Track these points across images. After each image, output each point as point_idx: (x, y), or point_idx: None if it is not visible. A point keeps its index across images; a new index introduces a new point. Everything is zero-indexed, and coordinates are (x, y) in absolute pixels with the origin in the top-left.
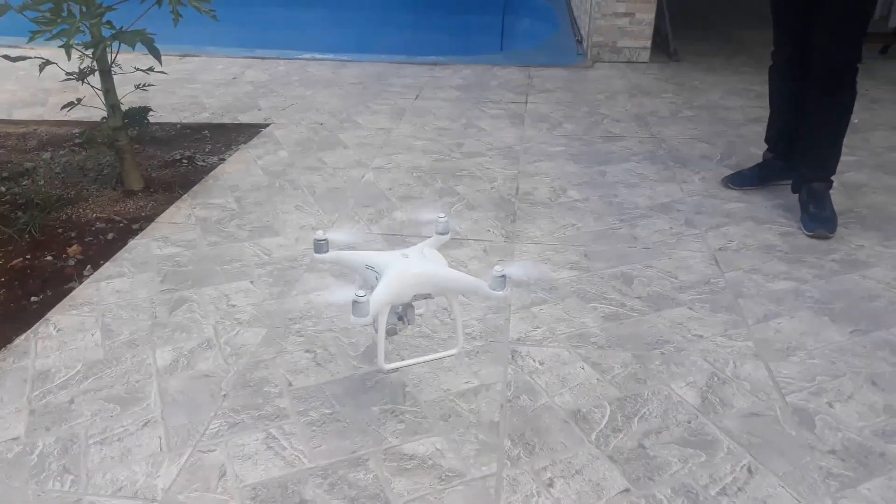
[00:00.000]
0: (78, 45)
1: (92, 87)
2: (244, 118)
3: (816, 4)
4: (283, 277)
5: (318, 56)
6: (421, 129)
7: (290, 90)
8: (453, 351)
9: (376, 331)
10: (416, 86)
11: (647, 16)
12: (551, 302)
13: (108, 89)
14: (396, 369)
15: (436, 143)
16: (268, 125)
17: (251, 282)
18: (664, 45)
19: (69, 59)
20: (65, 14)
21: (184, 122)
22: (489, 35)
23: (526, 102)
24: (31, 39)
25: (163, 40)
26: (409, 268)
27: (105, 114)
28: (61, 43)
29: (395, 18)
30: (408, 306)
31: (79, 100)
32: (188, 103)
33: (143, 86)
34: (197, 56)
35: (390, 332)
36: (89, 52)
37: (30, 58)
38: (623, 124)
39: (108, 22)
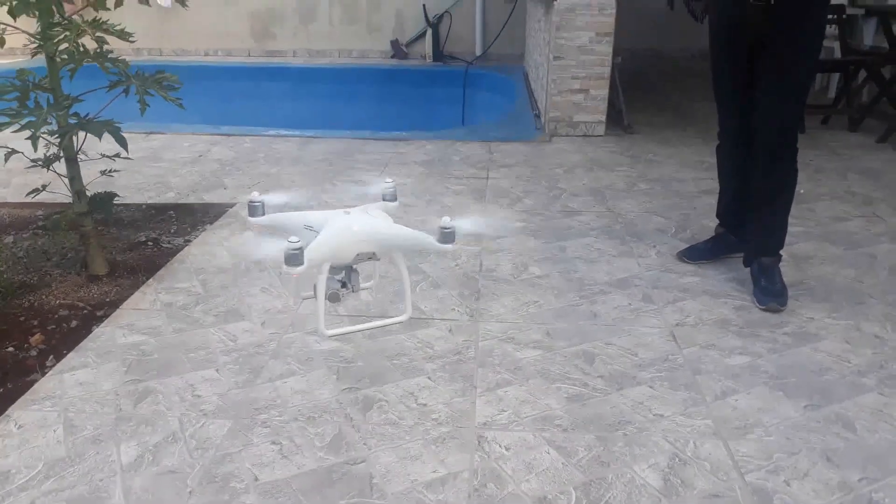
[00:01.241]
0: (44, 133)
1: (57, 174)
2: (210, 197)
3: (756, 85)
4: (248, 364)
5: (283, 133)
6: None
7: (255, 168)
8: (402, 318)
9: (316, 294)
10: (381, 162)
11: (601, 92)
12: (516, 383)
13: (74, 176)
14: (338, 335)
15: (401, 220)
16: (234, 205)
17: (217, 370)
18: (619, 119)
19: (35, 150)
20: (32, 105)
21: (149, 202)
22: (451, 108)
23: (487, 178)
24: None
25: (129, 116)
26: (350, 223)
27: (70, 199)
28: (28, 135)
29: (361, 94)
30: (351, 271)
31: (44, 186)
32: (154, 183)
33: (109, 171)
34: (163, 133)
35: (332, 298)
36: (55, 139)
37: None
38: (581, 199)
39: (76, 113)
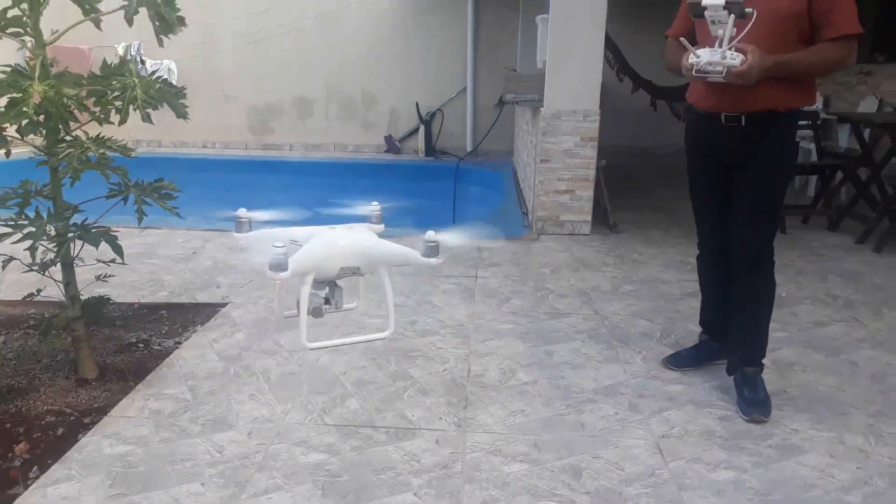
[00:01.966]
0: (42, 240)
1: (52, 279)
2: (202, 297)
3: (732, 202)
4: (234, 478)
5: (276, 230)
6: (376, 305)
7: (248, 266)
8: (384, 334)
9: (298, 306)
10: None
11: (587, 192)
12: (503, 501)
13: (69, 281)
14: (320, 348)
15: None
16: (226, 304)
17: (202, 483)
18: (605, 217)
19: (33, 259)
20: (32, 214)
21: (142, 301)
22: (443, 203)
23: (476, 276)
24: None
25: (125, 211)
26: (336, 237)
27: (62, 299)
28: (27, 245)
29: (354, 188)
30: (335, 287)
31: (38, 291)
32: (147, 281)
33: (104, 277)
34: (158, 228)
35: (316, 313)
36: (53, 247)
37: None
38: (568, 300)
39: (74, 224)
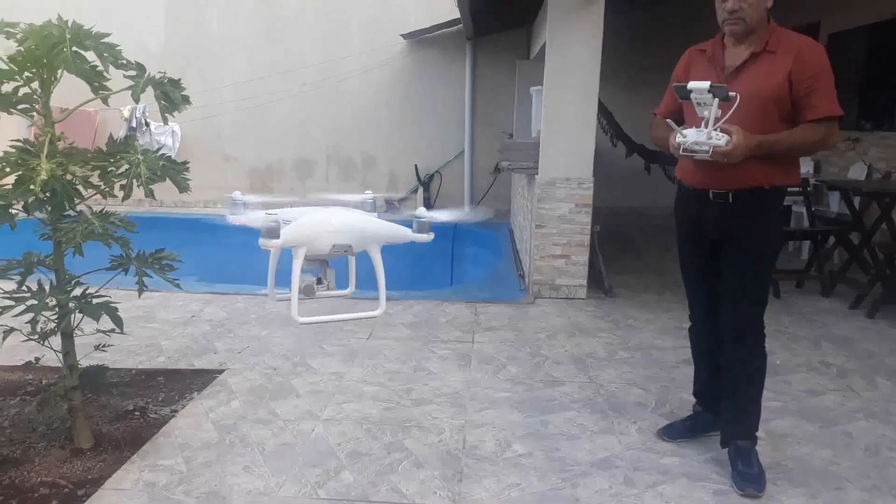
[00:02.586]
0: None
1: (52, 349)
2: (200, 362)
3: (720, 276)
4: None
5: (276, 292)
6: (372, 372)
7: (246, 330)
8: (376, 312)
9: (291, 282)
10: (369, 323)
11: (582, 258)
12: None
13: (68, 351)
14: (311, 324)
15: (386, 389)
16: (223, 370)
17: None
18: (600, 280)
19: (34, 332)
20: (35, 286)
21: (140, 366)
22: (441, 263)
23: (472, 342)
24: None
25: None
26: (328, 215)
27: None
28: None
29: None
30: (327, 267)
31: (37, 359)
32: (145, 346)
33: (103, 346)
34: (157, 291)
35: (307, 291)
36: (54, 318)
37: None
38: (563, 367)
39: (75, 296)
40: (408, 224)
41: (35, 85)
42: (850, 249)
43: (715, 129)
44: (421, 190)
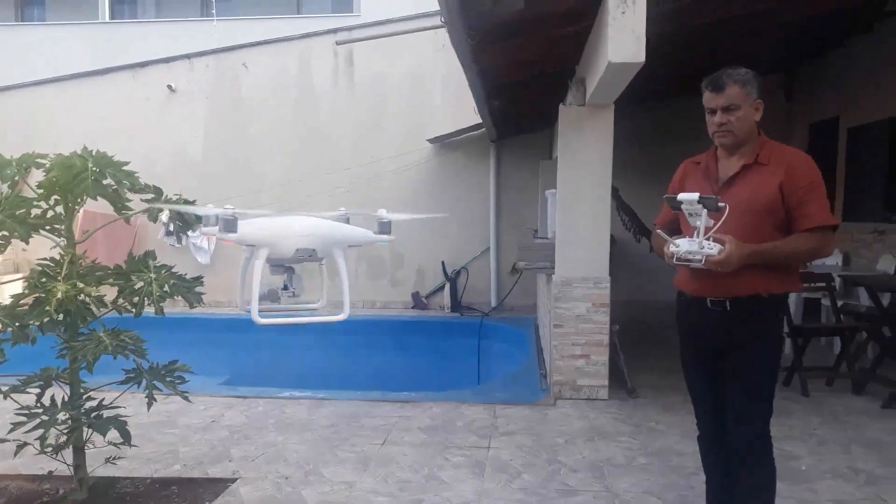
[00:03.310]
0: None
1: (63, 462)
2: (214, 471)
3: (724, 387)
4: None
5: (296, 394)
6: (384, 482)
7: (263, 436)
8: (340, 316)
9: (253, 280)
10: (385, 428)
11: (602, 357)
12: None
13: (79, 465)
14: (272, 325)
15: (396, 501)
16: (235, 479)
17: None
18: (623, 380)
19: (43, 448)
20: (49, 403)
21: (155, 475)
22: (467, 359)
23: (489, 447)
24: (10, 431)
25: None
26: (291, 219)
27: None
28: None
29: (381, 345)
30: (293, 274)
31: (51, 472)
32: (164, 453)
33: (113, 459)
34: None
35: (271, 296)
36: (65, 432)
37: (7, 440)
38: (579, 475)
39: (86, 410)
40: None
41: (60, 209)
42: (882, 343)
43: (707, 239)
44: (448, 286)
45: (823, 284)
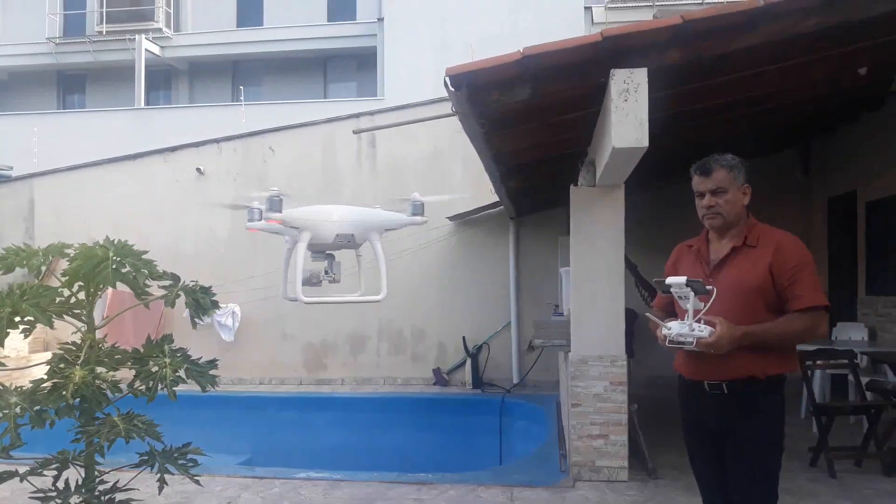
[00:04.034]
0: None
1: None
2: None
3: (727, 471)
4: None
5: (313, 475)
6: None
7: None
8: (378, 297)
9: (295, 262)
10: None
11: (621, 437)
12: None
13: None
14: (316, 303)
15: None
16: None
17: None
18: (643, 460)
19: None
20: (62, 486)
21: None
22: (489, 438)
23: None
24: None
25: (167, 433)
26: (331, 207)
27: None
28: None
29: (401, 423)
30: (333, 261)
31: None
32: None
33: None
34: (198, 476)
35: (312, 280)
36: None
37: None
38: None
39: (99, 493)
40: None
41: (82, 296)
42: None
43: (698, 321)
44: (469, 361)
45: (846, 361)
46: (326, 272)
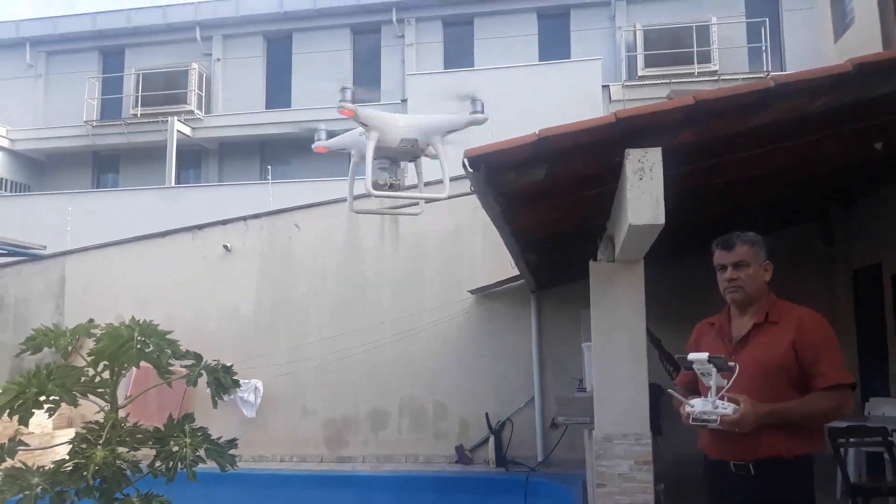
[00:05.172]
0: None
1: None
2: None
3: None
4: None
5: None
6: None
7: None
8: (442, 195)
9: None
10: None
11: None
12: None
13: None
14: (384, 196)
15: None
16: None
17: None
18: None
19: None
20: None
21: None
22: None
23: None
24: None
25: None
26: (398, 115)
27: None
28: None
29: (425, 503)
30: (397, 166)
31: None
32: None
33: None
34: None
35: (381, 183)
36: None
37: None
38: None
39: None
40: None
41: (106, 375)
42: None
43: (721, 399)
44: (492, 438)
45: (880, 438)
46: (391, 175)
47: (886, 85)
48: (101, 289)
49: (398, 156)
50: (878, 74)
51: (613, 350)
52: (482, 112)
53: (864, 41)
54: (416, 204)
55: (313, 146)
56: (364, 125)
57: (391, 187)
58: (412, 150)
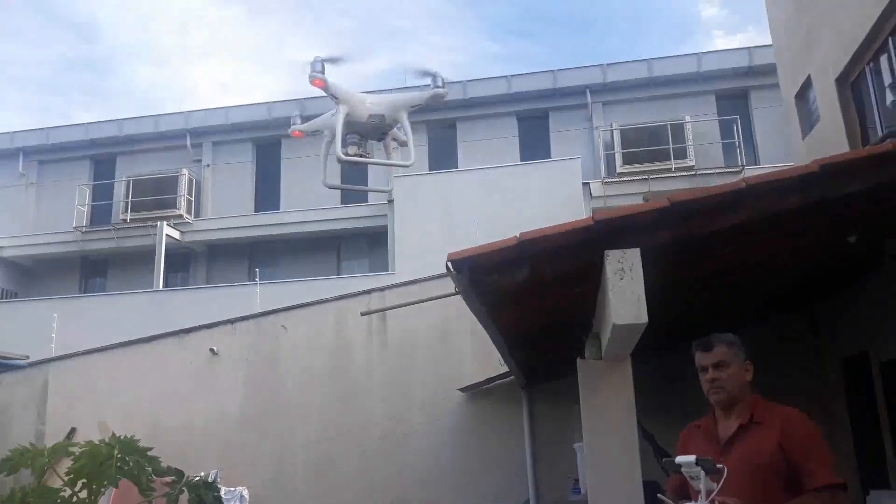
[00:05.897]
0: None
1: None
2: None
3: None
4: None
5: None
6: None
7: None
8: (407, 163)
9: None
10: None
11: None
12: None
13: None
14: (352, 163)
15: None
16: None
17: None
18: None
19: None
20: None
21: None
22: None
23: None
24: None
25: None
26: (364, 94)
27: None
28: None
29: None
30: (365, 142)
31: None
32: None
33: None
34: None
35: (350, 153)
36: None
37: None
38: None
39: None
40: None
41: (84, 494)
42: None
43: (711, 502)
44: None
45: None
46: (359, 147)
47: (852, 184)
48: (84, 395)
49: (367, 132)
50: (843, 175)
51: (606, 450)
52: (443, 87)
53: (830, 137)
54: (387, 191)
55: (289, 130)
56: (334, 97)
57: (360, 157)
58: (380, 126)
